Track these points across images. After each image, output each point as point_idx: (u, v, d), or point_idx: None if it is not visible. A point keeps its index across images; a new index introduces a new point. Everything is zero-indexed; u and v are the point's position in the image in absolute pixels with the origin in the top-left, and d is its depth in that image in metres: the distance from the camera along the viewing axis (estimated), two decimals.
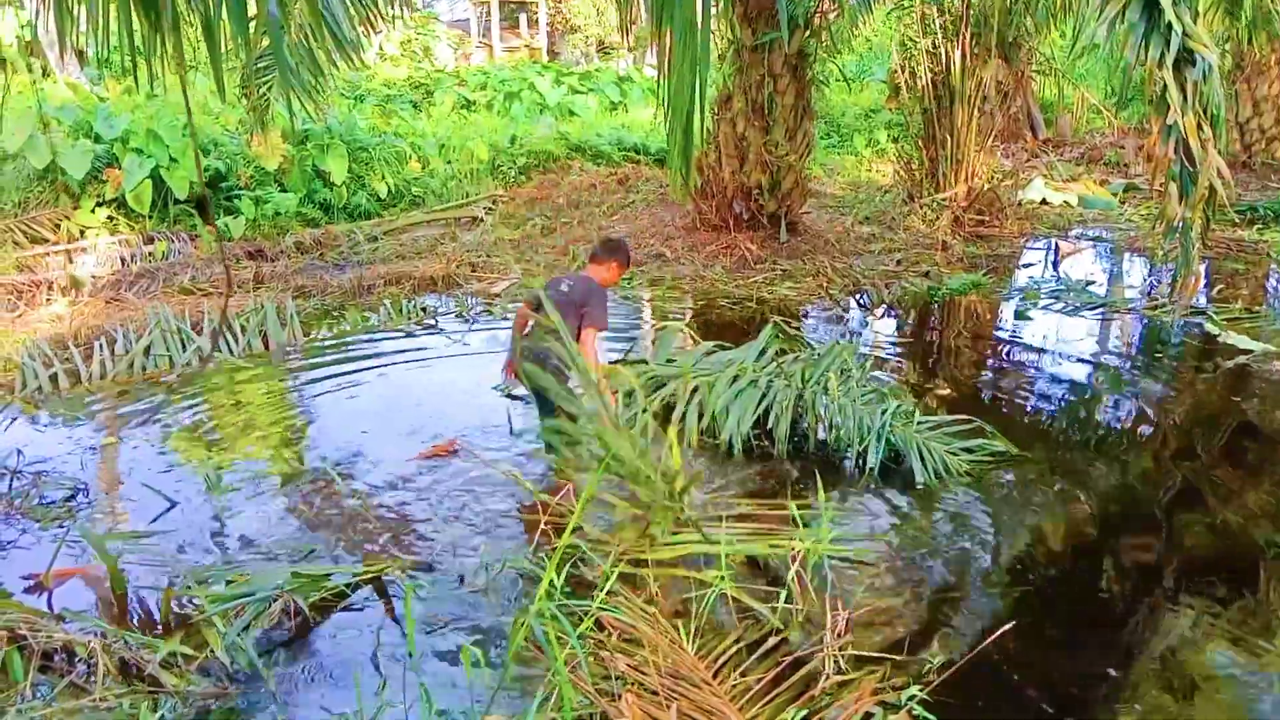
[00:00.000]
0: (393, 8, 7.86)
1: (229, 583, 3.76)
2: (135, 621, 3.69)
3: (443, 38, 24.54)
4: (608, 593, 3.34)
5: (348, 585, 3.79)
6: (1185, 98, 5.38)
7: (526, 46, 26.99)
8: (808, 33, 9.68)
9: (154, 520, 4.47)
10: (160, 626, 3.60)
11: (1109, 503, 4.63)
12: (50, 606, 3.75)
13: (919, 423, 5.10)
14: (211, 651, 3.34)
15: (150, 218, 9.92)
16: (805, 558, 3.78)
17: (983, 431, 5.13)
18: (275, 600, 3.61)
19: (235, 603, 3.58)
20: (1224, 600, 3.78)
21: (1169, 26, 5.33)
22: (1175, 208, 5.58)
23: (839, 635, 3.32)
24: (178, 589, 3.76)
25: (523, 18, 28.96)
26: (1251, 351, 6.70)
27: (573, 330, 4.74)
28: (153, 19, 2.84)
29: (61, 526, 4.37)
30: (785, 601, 3.58)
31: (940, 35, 10.43)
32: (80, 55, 15.04)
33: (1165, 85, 5.37)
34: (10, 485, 4.78)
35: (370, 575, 3.86)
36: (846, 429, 5.00)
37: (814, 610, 3.58)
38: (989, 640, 3.12)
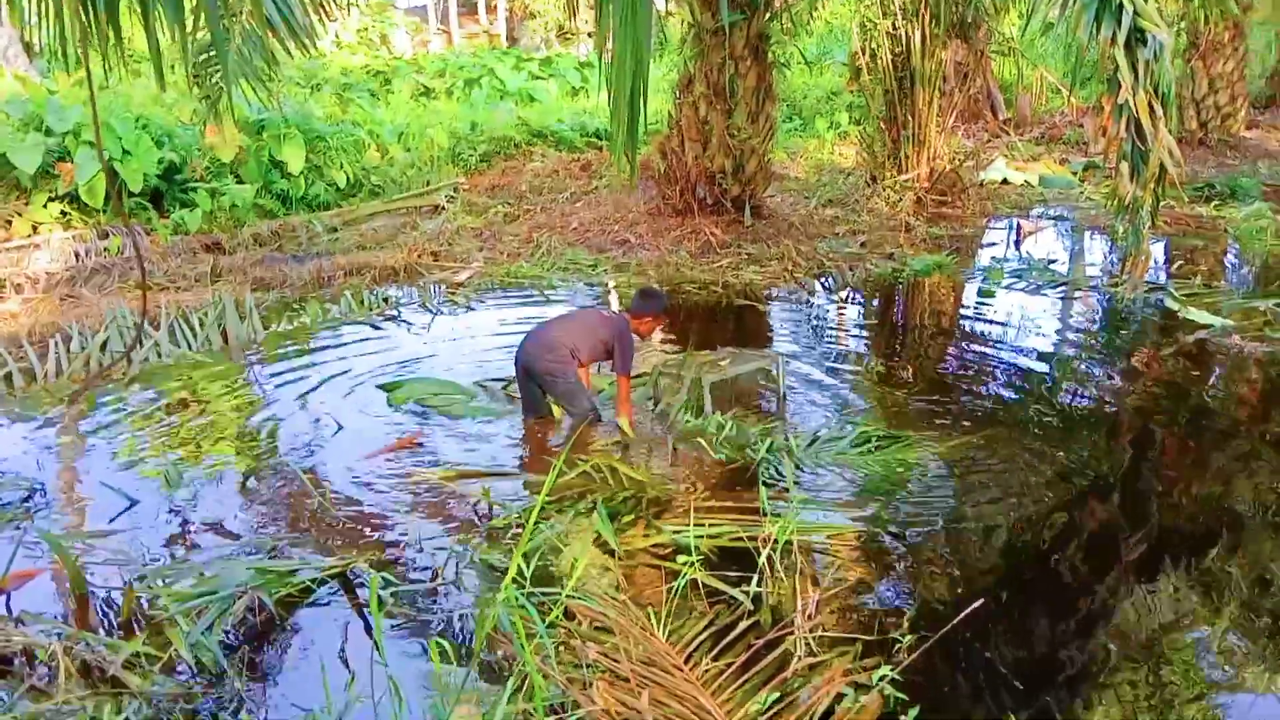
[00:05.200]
0: None
1: (192, 581, 3.70)
2: (97, 622, 3.63)
3: (400, 25, 24.29)
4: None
5: (313, 580, 3.75)
6: (1136, 77, 5.42)
7: (485, 33, 26.77)
8: (768, 15, 9.66)
9: (114, 519, 4.39)
10: (122, 627, 3.54)
11: (1076, 481, 4.67)
12: (9, 609, 3.67)
13: (815, 438, 5.01)
14: (175, 651, 3.28)
15: (104, 212, 9.74)
16: (775, 541, 3.78)
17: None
18: (240, 597, 3.56)
19: (199, 601, 3.53)
20: (1196, 573, 3.84)
21: (1120, 6, 5.37)
22: (1127, 186, 5.63)
23: (809, 617, 3.32)
24: (140, 588, 3.69)
25: (481, 4, 28.71)
26: (1211, 326, 6.79)
27: (582, 347, 5.13)
28: (91, 8, 2.76)
29: (19, 528, 4.27)
30: (756, 585, 3.58)
31: (900, 16, 10.45)
32: (28, 48, 14.71)
33: (1117, 64, 5.41)
34: None
35: (336, 570, 3.82)
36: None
37: (784, 593, 3.59)
38: (958, 618, 3.13)
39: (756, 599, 3.55)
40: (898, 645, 3.18)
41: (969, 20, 10.96)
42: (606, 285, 8.53)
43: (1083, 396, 5.92)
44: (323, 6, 7.41)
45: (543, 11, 28.18)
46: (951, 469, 4.72)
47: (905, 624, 3.33)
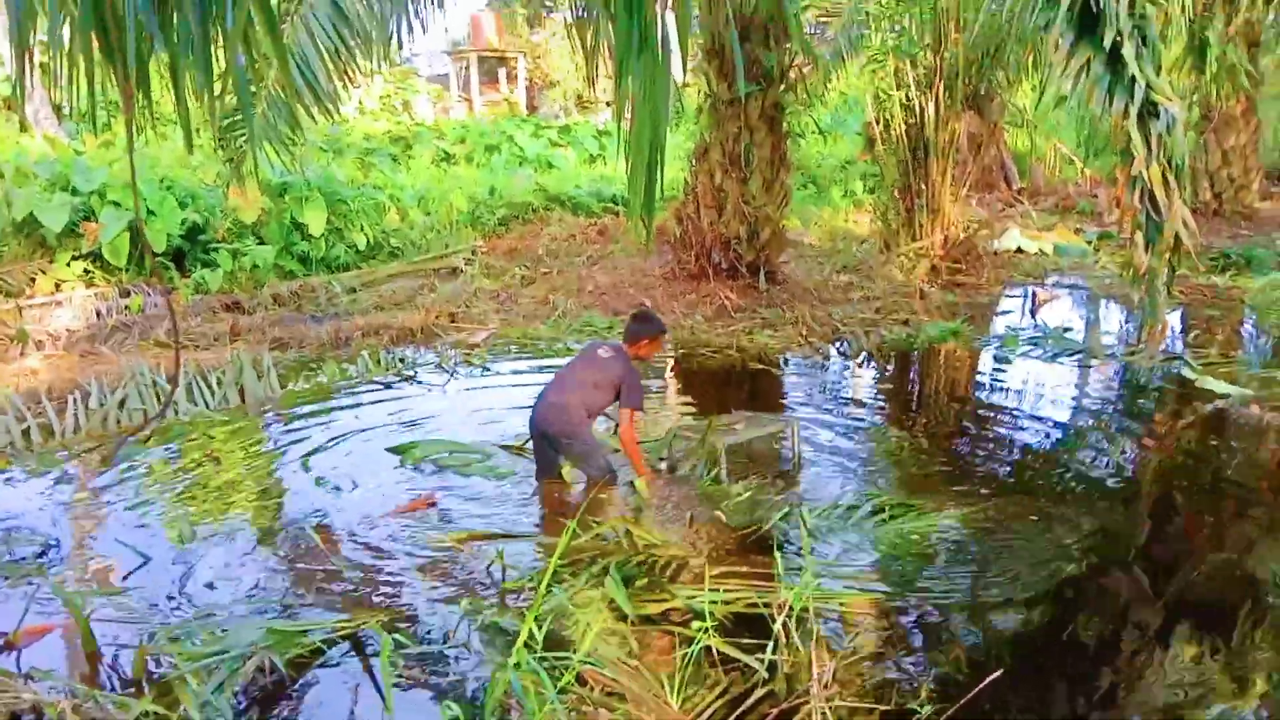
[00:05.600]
0: (371, 62, 7.93)
1: (202, 640, 3.68)
2: (107, 680, 3.60)
3: (423, 92, 24.77)
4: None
5: (324, 641, 3.72)
6: (1150, 149, 5.47)
7: (506, 101, 27.23)
8: (783, 86, 9.82)
9: (126, 576, 4.37)
10: (133, 686, 3.51)
11: (1095, 550, 4.61)
12: (19, 666, 3.65)
13: (836, 505, 4.95)
14: (185, 711, 3.25)
15: (127, 270, 9.87)
16: (791, 608, 3.73)
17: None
18: (250, 657, 3.53)
19: (209, 660, 3.50)
20: (1217, 645, 3.76)
21: (1132, 79, 5.43)
22: (1141, 256, 5.65)
23: (826, 686, 3.26)
24: (150, 647, 3.67)
25: (502, 73, 29.27)
26: (1228, 396, 6.75)
27: (594, 400, 5.16)
28: (120, 71, 2.83)
29: (32, 583, 4.26)
30: (771, 653, 3.53)
31: (914, 88, 10.61)
32: (57, 110, 15.03)
33: (1130, 136, 5.46)
34: None
35: (347, 631, 3.79)
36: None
37: (800, 661, 3.54)
38: (977, 689, 3.08)
39: (772, 667, 3.50)
40: (916, 716, 3.12)
41: (982, 92, 11.13)
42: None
43: (1100, 465, 5.87)
44: (347, 74, 7.59)
45: (562, 81, 28.75)
46: (968, 537, 4.67)
47: (923, 694, 3.27)
